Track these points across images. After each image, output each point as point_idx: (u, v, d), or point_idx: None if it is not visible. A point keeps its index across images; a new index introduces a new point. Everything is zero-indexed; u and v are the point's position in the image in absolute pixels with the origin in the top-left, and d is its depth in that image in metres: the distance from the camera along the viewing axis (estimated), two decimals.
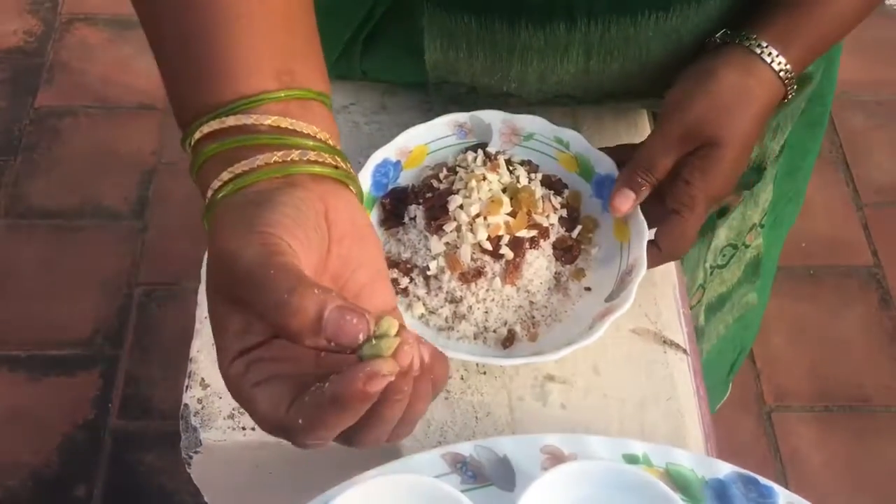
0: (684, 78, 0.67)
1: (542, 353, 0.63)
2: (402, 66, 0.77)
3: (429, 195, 0.68)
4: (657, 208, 0.67)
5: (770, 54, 0.65)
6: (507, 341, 0.65)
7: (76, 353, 1.63)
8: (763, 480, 0.59)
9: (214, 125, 0.48)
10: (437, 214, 0.66)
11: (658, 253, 0.67)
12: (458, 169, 0.69)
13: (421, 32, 0.70)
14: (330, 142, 0.50)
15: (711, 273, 0.95)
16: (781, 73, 0.66)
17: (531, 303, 0.67)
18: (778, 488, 0.59)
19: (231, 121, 0.48)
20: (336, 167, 0.49)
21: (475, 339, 0.66)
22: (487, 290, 0.65)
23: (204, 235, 0.48)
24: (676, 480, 0.59)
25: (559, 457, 0.59)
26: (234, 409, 0.64)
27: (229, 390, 0.45)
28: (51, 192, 1.83)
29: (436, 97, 0.80)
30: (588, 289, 0.68)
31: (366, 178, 0.69)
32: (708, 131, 0.64)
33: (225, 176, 0.47)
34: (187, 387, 0.65)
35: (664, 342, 0.68)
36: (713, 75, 0.65)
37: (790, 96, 0.68)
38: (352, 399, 0.41)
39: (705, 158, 0.65)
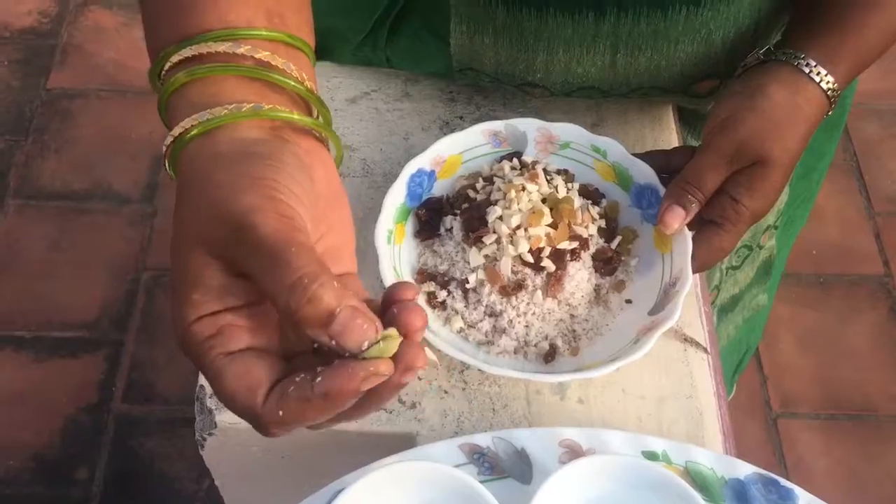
0: (731, 94, 0.65)
1: (585, 369, 0.61)
2: (425, 52, 0.77)
3: (465, 206, 0.66)
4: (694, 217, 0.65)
5: (819, 73, 0.64)
6: (549, 356, 0.63)
7: (82, 336, 1.62)
8: (783, 482, 0.58)
9: (198, 49, 0.45)
10: (476, 226, 0.64)
11: (691, 262, 0.65)
12: (494, 179, 0.68)
13: (447, 17, 0.69)
14: (315, 92, 0.48)
15: (726, 274, 0.95)
16: (829, 92, 0.65)
17: (572, 316, 0.65)
18: (798, 490, 0.58)
19: (219, 47, 0.45)
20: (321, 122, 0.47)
21: (515, 353, 0.64)
22: (528, 304, 0.64)
23: None
24: (696, 479, 0.58)
25: (577, 451, 0.58)
26: None
27: (186, 349, 0.41)
28: (61, 174, 1.83)
29: (460, 85, 0.79)
30: (629, 301, 0.66)
31: (401, 189, 0.67)
32: (759, 149, 0.63)
33: (219, 111, 0.44)
34: None
35: (685, 340, 0.67)
36: (763, 92, 0.64)
37: (831, 112, 0.67)
38: (345, 397, 0.39)
39: (753, 176, 0.64)
